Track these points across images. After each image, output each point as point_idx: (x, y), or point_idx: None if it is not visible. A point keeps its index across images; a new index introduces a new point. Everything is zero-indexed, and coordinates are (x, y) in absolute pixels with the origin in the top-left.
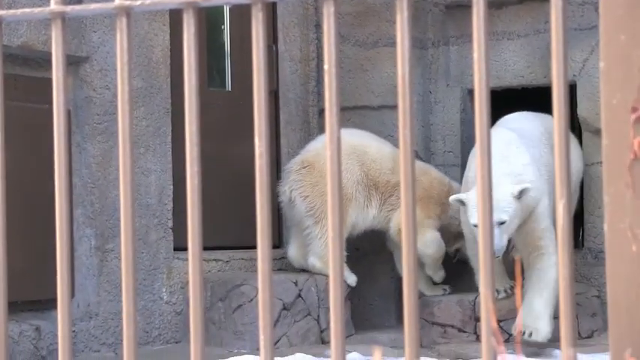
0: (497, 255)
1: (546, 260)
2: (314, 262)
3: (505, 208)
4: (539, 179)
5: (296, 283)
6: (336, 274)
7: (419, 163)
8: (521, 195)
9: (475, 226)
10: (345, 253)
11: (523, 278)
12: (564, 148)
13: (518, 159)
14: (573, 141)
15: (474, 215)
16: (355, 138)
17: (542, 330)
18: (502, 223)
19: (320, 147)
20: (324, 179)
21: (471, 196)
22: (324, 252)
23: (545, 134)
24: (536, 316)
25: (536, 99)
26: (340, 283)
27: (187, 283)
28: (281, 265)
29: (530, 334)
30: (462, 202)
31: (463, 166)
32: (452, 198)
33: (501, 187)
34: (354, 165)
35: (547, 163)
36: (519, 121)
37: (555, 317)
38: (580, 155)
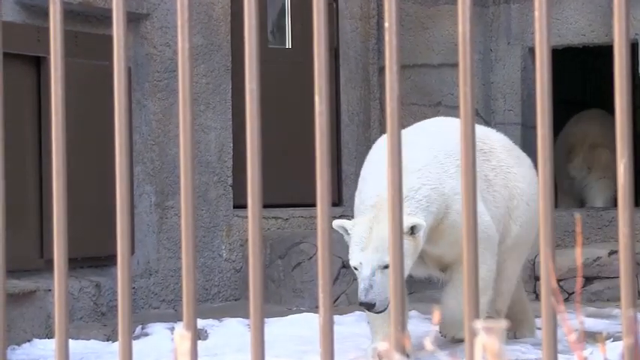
0: (379, 310)
1: None
2: None
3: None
4: (447, 180)
5: None
6: (395, 234)
7: None
8: (413, 232)
9: (355, 269)
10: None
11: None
12: (626, 108)
13: (411, 165)
14: (526, 161)
15: (354, 255)
16: None
17: (460, 331)
18: (387, 267)
19: None
20: None
21: (358, 229)
22: None
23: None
24: (451, 317)
25: (596, 58)
26: (399, 243)
27: (247, 240)
28: None
29: (445, 336)
30: (345, 231)
31: (524, 124)
32: (335, 223)
33: (384, 225)
34: None
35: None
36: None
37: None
38: (532, 178)
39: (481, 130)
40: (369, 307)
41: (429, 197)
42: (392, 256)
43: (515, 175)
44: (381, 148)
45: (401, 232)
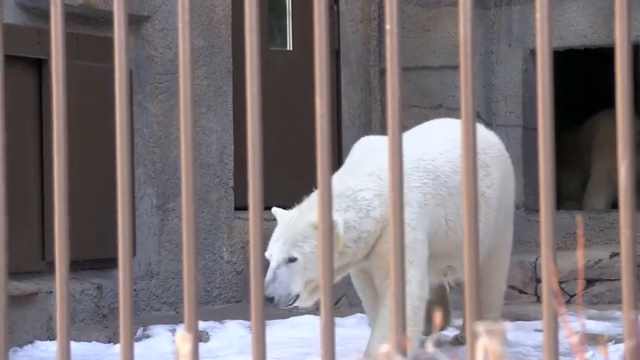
0: (280, 305)
1: None
2: None
3: (298, 242)
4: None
5: None
6: (397, 234)
7: None
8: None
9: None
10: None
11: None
12: (628, 109)
13: (364, 168)
14: (509, 161)
15: (269, 246)
16: None
17: None
18: (291, 259)
19: None
20: None
21: (282, 220)
22: None
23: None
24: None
25: (598, 60)
26: (400, 244)
27: (248, 242)
28: None
29: None
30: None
31: (525, 127)
32: (273, 210)
33: (302, 217)
34: None
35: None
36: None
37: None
38: (513, 179)
39: (481, 138)
40: (269, 300)
41: (370, 202)
42: (393, 263)
43: (507, 185)
44: (352, 152)
45: (402, 242)
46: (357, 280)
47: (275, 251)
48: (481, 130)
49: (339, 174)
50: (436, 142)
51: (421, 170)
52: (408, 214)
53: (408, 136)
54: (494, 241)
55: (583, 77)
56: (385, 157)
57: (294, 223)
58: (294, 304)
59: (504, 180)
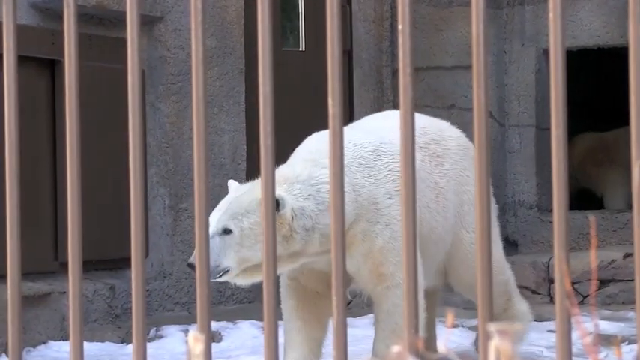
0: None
1: (392, 296)
2: None
3: (238, 215)
4: (366, 186)
5: None
6: (408, 235)
7: None
8: (277, 208)
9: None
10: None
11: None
12: None
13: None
14: (465, 149)
15: (211, 214)
16: None
17: None
18: (226, 231)
19: None
20: None
21: (231, 192)
22: None
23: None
24: None
25: (611, 60)
26: (412, 245)
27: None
28: None
29: None
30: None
31: (538, 126)
32: (229, 182)
33: (250, 191)
34: None
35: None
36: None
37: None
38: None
39: (436, 129)
40: (193, 268)
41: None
42: (405, 262)
43: (467, 179)
44: (305, 144)
45: (414, 243)
46: (291, 302)
47: (213, 219)
48: (442, 124)
49: (304, 159)
50: (389, 127)
51: (385, 156)
52: (378, 213)
53: (358, 125)
54: (467, 240)
55: (597, 77)
56: (346, 145)
57: (241, 196)
58: (223, 278)
59: (462, 174)
